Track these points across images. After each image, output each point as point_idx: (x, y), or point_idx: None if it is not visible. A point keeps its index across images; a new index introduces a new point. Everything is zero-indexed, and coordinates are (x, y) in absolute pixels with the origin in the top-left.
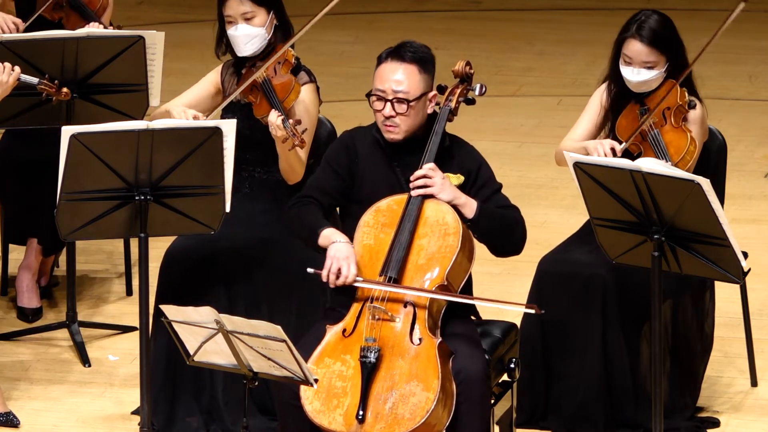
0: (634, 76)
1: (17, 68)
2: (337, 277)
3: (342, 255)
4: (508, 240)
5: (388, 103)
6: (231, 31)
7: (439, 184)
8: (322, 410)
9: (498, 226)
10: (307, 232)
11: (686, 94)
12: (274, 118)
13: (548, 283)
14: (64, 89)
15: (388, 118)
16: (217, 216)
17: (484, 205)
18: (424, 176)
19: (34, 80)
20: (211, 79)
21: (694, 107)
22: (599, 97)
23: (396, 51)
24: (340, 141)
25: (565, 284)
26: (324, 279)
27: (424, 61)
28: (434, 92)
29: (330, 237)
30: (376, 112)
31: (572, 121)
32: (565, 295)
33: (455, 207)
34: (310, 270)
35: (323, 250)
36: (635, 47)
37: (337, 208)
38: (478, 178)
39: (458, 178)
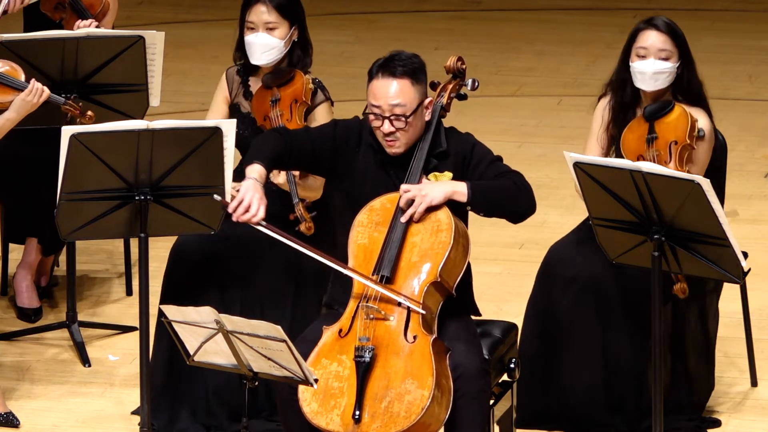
0: (649, 66)
1: (46, 89)
2: (245, 213)
3: (258, 194)
4: (515, 206)
5: (386, 121)
6: (249, 38)
7: (423, 198)
8: (320, 411)
9: (498, 197)
10: (248, 154)
11: (696, 126)
12: (282, 180)
13: (552, 282)
14: (89, 112)
15: (388, 134)
16: (217, 216)
17: (474, 184)
18: (409, 199)
19: (60, 100)
20: (219, 101)
21: (702, 137)
22: (600, 114)
23: (386, 66)
24: (353, 122)
25: (568, 286)
26: (231, 210)
27: (415, 72)
28: (429, 99)
29: (252, 172)
30: (374, 129)
31: (572, 121)
32: (567, 296)
33: (451, 198)
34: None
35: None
36: (651, 36)
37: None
38: (472, 158)
39: (446, 176)
